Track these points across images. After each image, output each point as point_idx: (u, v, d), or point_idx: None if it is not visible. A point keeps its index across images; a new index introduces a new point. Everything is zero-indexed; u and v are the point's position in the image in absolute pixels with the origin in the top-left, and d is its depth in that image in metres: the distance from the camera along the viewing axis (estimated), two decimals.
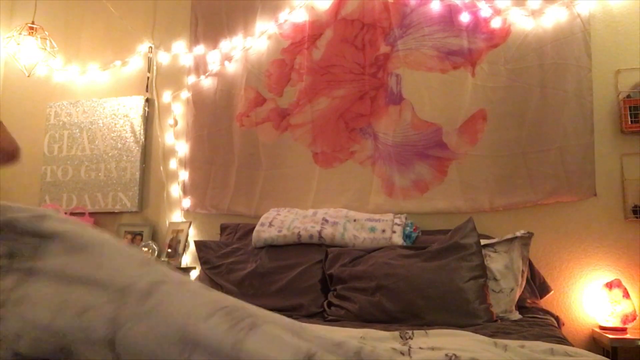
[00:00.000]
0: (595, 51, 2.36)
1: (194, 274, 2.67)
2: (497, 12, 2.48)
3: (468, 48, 2.51)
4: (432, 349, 1.10)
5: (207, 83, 2.99)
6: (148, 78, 3.14)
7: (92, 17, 3.32)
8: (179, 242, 2.79)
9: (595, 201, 2.31)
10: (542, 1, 2.44)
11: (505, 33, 2.47)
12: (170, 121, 3.07)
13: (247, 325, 0.64)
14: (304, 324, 0.74)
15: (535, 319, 1.91)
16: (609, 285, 2.17)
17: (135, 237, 2.89)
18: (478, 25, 2.51)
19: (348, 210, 2.42)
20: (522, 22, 2.45)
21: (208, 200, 2.89)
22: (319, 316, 2.00)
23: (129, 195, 3.01)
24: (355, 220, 2.33)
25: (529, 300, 2.10)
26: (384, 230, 2.25)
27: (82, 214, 2.95)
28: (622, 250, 2.27)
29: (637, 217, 2.23)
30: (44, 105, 3.27)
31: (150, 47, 3.16)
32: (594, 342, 2.22)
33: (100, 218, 3.03)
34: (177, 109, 3.07)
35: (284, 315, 0.73)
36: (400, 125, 2.57)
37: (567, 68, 2.37)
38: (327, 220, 2.32)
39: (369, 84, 2.65)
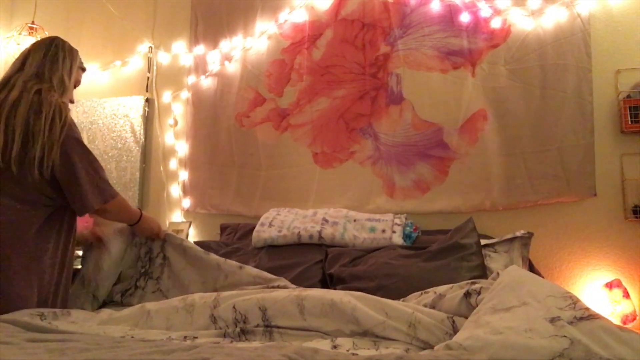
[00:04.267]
0: (595, 51, 2.36)
1: None
2: (497, 12, 2.48)
3: (468, 48, 2.50)
4: None
5: (207, 83, 2.99)
6: (148, 78, 3.14)
7: (92, 17, 3.32)
8: None
9: (595, 201, 2.31)
10: (542, 1, 2.44)
11: (505, 33, 2.47)
12: (170, 121, 3.07)
13: None
14: None
15: None
16: (609, 285, 2.17)
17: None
18: (478, 25, 2.51)
19: (348, 211, 2.42)
20: (522, 22, 2.45)
21: (208, 200, 2.89)
22: None
23: (129, 195, 3.01)
24: (355, 220, 2.33)
25: None
26: (384, 230, 2.25)
27: None
28: (622, 250, 2.26)
29: (637, 217, 2.23)
30: None
31: (150, 47, 3.16)
32: None
33: (100, 218, 3.02)
34: (177, 109, 3.07)
35: None
36: (400, 125, 2.57)
37: (567, 68, 2.37)
38: (327, 220, 2.32)
39: (369, 84, 2.65)
